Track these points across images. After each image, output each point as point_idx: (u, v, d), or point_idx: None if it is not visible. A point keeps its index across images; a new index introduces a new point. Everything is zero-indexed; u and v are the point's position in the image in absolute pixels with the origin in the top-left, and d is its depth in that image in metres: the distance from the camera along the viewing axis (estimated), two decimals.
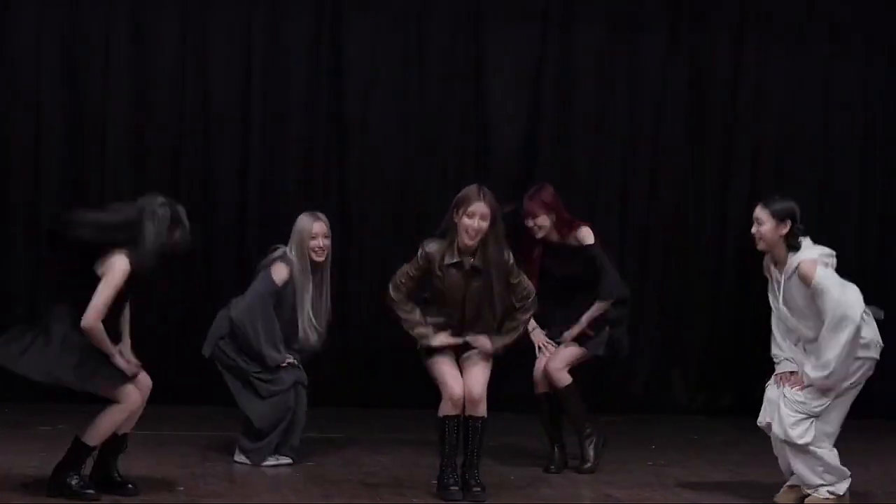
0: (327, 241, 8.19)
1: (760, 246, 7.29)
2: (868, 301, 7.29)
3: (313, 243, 8.13)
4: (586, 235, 8.12)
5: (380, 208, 10.32)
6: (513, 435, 9.06)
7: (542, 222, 8.09)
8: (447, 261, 7.25)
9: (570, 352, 8.13)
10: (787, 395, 7.23)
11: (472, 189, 7.25)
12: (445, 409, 7.31)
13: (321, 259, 8.18)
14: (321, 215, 8.24)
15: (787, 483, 7.47)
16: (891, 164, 10.86)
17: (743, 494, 7.72)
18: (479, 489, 7.28)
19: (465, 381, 7.31)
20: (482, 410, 7.31)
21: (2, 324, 7.30)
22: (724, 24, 10.70)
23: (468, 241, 7.21)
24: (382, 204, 10.31)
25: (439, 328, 7.38)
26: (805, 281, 7.17)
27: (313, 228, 8.14)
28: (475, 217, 7.18)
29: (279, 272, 8.10)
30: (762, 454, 8.06)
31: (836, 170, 10.83)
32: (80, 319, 6.71)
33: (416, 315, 7.37)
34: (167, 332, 10.00)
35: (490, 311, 7.32)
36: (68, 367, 6.76)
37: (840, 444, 7.58)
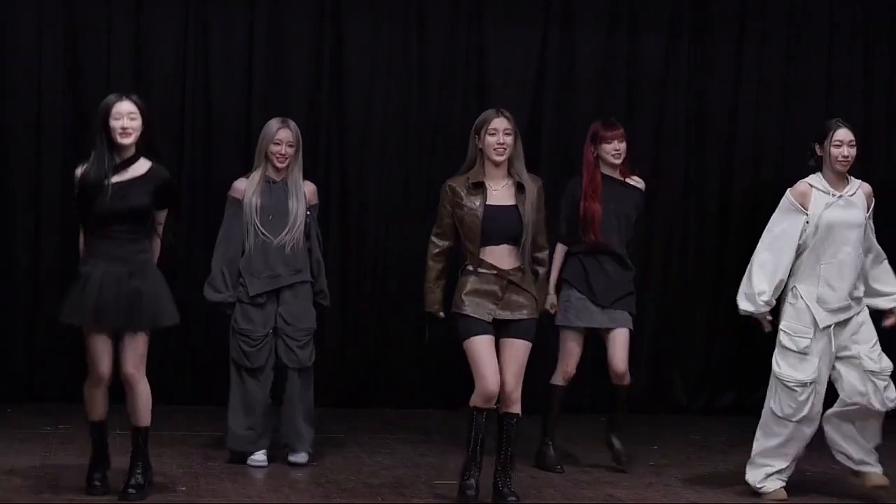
0: (290, 150, 8.01)
1: (847, 166, 7.46)
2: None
3: (275, 149, 8.01)
4: (640, 180, 8.34)
5: (380, 208, 10.32)
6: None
7: (623, 149, 8.17)
8: (472, 181, 7.09)
9: (626, 339, 8.13)
10: (868, 360, 7.30)
11: (489, 111, 7.21)
12: (476, 400, 7.08)
13: (282, 165, 8.01)
14: (290, 122, 8.11)
15: (853, 468, 7.53)
16: (891, 164, 10.86)
17: (744, 495, 7.72)
18: (513, 498, 7.09)
19: (502, 368, 7.07)
20: (517, 407, 7.11)
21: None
22: (725, 23, 10.70)
23: (497, 157, 7.09)
24: (383, 203, 10.31)
25: (478, 291, 7.07)
26: (869, 198, 7.52)
27: (277, 134, 8.01)
28: (499, 133, 7.10)
29: (236, 185, 8.08)
30: None
31: None
32: None
33: (436, 290, 7.17)
34: (167, 332, 9.97)
35: (528, 238, 7.07)
36: None
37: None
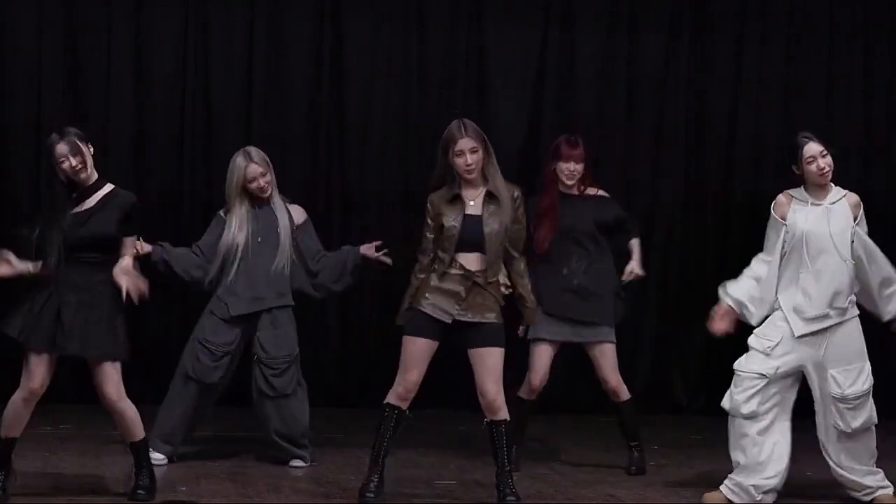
0: (265, 179, 8.00)
1: (828, 179, 7.40)
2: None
3: (254, 186, 7.99)
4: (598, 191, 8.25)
5: (380, 207, 10.31)
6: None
7: (579, 170, 8.11)
8: (450, 195, 7.08)
9: (612, 353, 8.11)
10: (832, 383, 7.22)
11: (452, 127, 7.10)
12: (392, 397, 7.14)
13: (265, 195, 8.03)
14: (252, 151, 8.05)
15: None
16: (892, 164, 10.86)
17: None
18: (512, 498, 7.02)
19: (477, 379, 7.03)
20: (503, 413, 7.05)
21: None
22: (725, 23, 10.70)
23: (468, 175, 7.06)
24: (383, 203, 10.31)
25: (442, 290, 7.01)
26: (855, 208, 7.41)
27: (248, 172, 7.98)
28: (465, 154, 7.04)
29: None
30: None
31: (836, 170, 10.80)
32: None
33: (413, 288, 7.10)
34: (167, 332, 9.99)
35: (492, 247, 7.00)
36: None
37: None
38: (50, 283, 6.82)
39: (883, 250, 7.54)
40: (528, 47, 10.54)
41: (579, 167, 8.10)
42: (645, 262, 10.51)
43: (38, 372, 6.89)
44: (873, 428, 7.38)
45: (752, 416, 7.28)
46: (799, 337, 7.27)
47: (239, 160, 8.01)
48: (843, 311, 7.30)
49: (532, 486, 7.73)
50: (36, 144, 9.93)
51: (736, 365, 7.42)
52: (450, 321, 6.99)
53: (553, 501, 7.44)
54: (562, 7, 10.54)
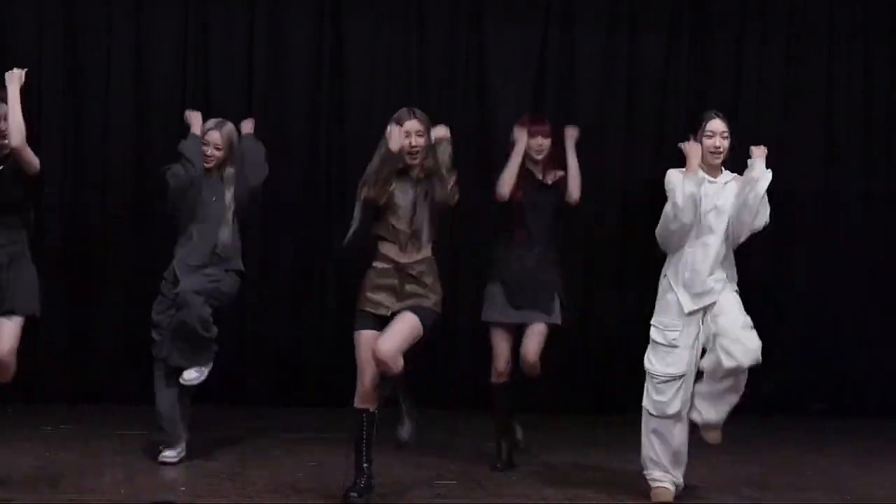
0: (218, 153, 8.10)
1: (722, 159, 7.44)
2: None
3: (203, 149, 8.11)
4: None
5: None
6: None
7: (546, 145, 8.15)
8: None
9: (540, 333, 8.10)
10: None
11: (401, 111, 7.26)
12: (356, 400, 7.17)
13: (209, 165, 8.10)
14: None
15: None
16: (892, 164, 10.86)
17: (744, 495, 7.73)
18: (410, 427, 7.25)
19: (380, 339, 6.99)
20: (396, 365, 7.02)
21: None
22: (725, 23, 10.70)
23: (411, 161, 7.14)
24: None
25: (378, 286, 7.11)
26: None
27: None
28: (411, 135, 7.15)
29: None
30: (763, 454, 8.08)
31: (837, 169, 10.84)
32: None
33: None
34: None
35: (432, 226, 7.12)
36: None
37: (840, 444, 7.60)
38: None
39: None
40: (528, 47, 10.54)
41: (546, 142, 8.13)
42: (644, 262, 10.56)
43: None
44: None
45: (677, 415, 7.34)
46: (690, 313, 7.35)
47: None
48: (722, 282, 7.38)
49: (532, 485, 7.74)
50: (36, 144, 9.91)
51: (648, 367, 7.40)
52: (388, 314, 7.09)
53: (553, 501, 7.45)
54: (562, 7, 10.55)
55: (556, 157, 8.26)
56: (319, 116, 10.28)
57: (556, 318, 8.14)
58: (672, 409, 7.34)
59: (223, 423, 8.94)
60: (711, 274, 7.35)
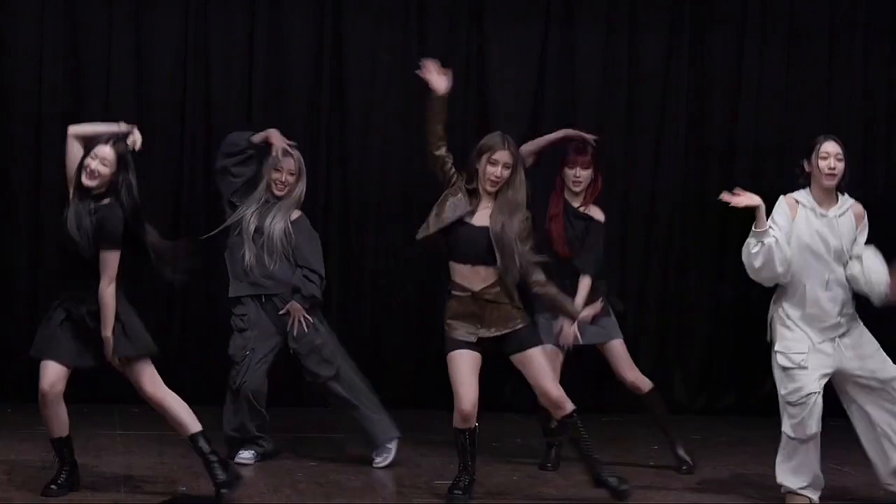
0: (291, 179, 8.15)
1: (835, 182, 7.25)
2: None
3: (275, 176, 8.14)
4: (599, 211, 8.24)
5: (381, 207, 10.31)
6: (516, 435, 9.07)
7: (584, 176, 8.14)
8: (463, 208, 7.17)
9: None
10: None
11: (496, 136, 7.22)
12: (456, 421, 7.13)
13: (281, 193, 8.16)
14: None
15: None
16: (892, 164, 10.86)
17: (745, 495, 7.73)
18: (614, 479, 7.12)
19: (534, 383, 7.07)
20: (567, 406, 7.08)
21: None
22: (725, 23, 10.70)
23: (489, 188, 7.13)
24: (384, 203, 10.30)
25: (458, 314, 7.12)
26: (860, 219, 7.29)
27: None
28: (498, 165, 7.13)
29: None
30: (763, 454, 8.07)
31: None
32: None
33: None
34: (168, 332, 9.99)
35: (513, 263, 7.03)
36: None
37: (840, 444, 7.59)
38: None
39: (883, 250, 7.53)
40: (528, 47, 10.53)
41: (585, 174, 8.12)
42: (645, 262, 10.56)
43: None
44: None
45: (815, 436, 7.23)
46: (820, 343, 7.22)
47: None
48: (852, 316, 7.31)
49: (532, 485, 7.74)
50: (36, 144, 9.94)
51: (783, 393, 7.22)
52: (474, 340, 7.08)
53: (553, 501, 7.44)
54: (562, 7, 10.54)
55: (596, 190, 8.24)
56: (319, 116, 10.27)
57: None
58: (811, 430, 7.17)
59: (223, 423, 8.92)
60: (839, 309, 7.26)
